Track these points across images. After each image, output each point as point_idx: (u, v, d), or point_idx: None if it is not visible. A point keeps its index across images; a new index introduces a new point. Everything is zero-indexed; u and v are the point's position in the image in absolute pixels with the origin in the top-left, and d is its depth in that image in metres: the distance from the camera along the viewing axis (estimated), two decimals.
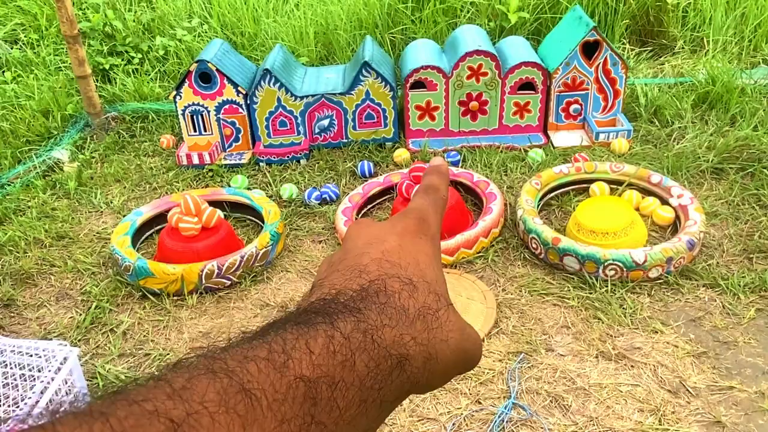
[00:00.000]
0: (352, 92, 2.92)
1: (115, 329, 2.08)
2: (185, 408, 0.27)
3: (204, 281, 2.16)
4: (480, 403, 1.70)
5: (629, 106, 3.09)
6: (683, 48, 3.61)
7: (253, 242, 2.28)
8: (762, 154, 2.64)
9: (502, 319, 1.97)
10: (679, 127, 2.91)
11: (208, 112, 2.96)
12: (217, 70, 2.85)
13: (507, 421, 1.63)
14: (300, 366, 0.31)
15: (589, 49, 2.87)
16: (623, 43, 3.60)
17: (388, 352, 0.34)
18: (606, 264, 2.05)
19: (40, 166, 3.01)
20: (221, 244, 2.28)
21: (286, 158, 2.94)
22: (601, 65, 2.88)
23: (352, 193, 2.56)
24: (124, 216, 2.57)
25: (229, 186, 2.78)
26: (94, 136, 3.29)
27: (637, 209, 2.41)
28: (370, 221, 0.45)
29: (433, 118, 2.98)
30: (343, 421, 0.31)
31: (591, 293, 2.03)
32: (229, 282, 2.20)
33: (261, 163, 2.95)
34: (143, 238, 2.52)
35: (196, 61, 2.86)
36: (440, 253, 0.44)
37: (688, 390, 1.69)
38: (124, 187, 2.86)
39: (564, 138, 2.95)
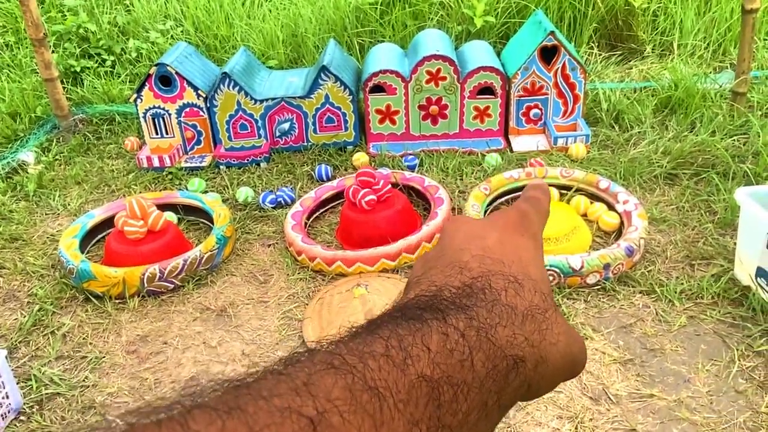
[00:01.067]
0: (312, 96, 2.93)
1: (55, 331, 2.10)
2: (315, 405, 0.25)
3: (146, 284, 2.17)
4: None
5: (591, 111, 3.09)
6: (652, 52, 3.61)
7: (197, 246, 2.29)
8: (716, 160, 2.63)
9: None
10: (638, 132, 2.91)
11: (169, 115, 2.98)
12: (177, 73, 2.87)
13: None
14: (420, 364, 0.29)
15: (548, 54, 2.87)
16: (591, 47, 3.59)
17: (504, 352, 0.32)
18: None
19: (3, 168, 3.04)
20: (167, 248, 2.30)
21: (246, 161, 2.96)
22: (559, 70, 2.88)
23: (304, 197, 2.57)
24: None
25: (186, 189, 2.80)
26: (61, 139, 3.31)
27: (585, 215, 2.41)
28: (468, 218, 0.43)
29: (393, 122, 2.99)
30: (467, 425, 0.29)
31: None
32: (172, 285, 2.22)
33: (221, 166, 2.96)
34: (95, 241, 2.54)
35: (156, 65, 2.88)
36: (542, 253, 0.42)
37: (609, 397, 1.69)
38: (83, 190, 2.89)
39: (524, 143, 2.95)
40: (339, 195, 2.62)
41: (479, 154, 2.88)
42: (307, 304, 2.10)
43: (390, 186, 2.37)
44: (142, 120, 2.99)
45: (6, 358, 1.79)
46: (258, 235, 2.50)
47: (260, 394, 0.25)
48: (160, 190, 2.82)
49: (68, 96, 3.49)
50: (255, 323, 2.06)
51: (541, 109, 2.97)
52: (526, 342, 0.33)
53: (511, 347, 0.32)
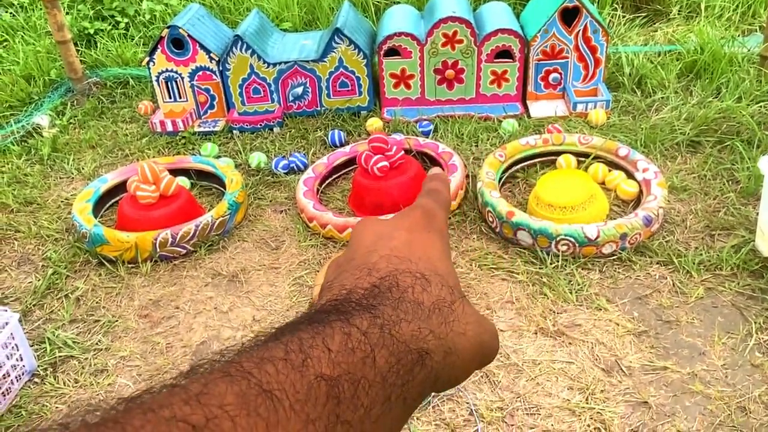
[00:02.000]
0: (325, 59, 2.88)
1: (69, 295, 2.12)
2: (204, 413, 0.26)
3: (159, 249, 2.18)
4: None
5: (613, 75, 3.00)
6: (678, 14, 3.48)
7: (209, 211, 2.28)
8: (741, 127, 2.54)
9: None
10: (661, 98, 2.82)
11: (182, 78, 2.95)
12: (189, 35, 2.83)
13: (433, 396, 1.63)
14: (319, 364, 0.30)
15: (569, 16, 2.77)
16: (614, 9, 3.47)
17: (408, 347, 0.33)
18: (558, 239, 2.01)
19: (18, 132, 3.04)
20: (180, 213, 2.29)
21: (259, 126, 2.93)
22: (581, 33, 2.79)
23: (316, 163, 2.54)
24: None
25: (200, 154, 2.78)
26: (75, 102, 3.30)
27: (603, 183, 2.35)
28: (376, 219, 0.44)
29: (408, 86, 2.93)
30: (369, 419, 0.30)
31: (541, 268, 2.00)
32: (184, 251, 2.22)
33: (234, 131, 2.93)
34: (108, 205, 2.54)
35: (168, 27, 2.84)
36: (449, 248, 0.43)
37: (621, 369, 1.67)
38: (97, 154, 2.88)
39: (542, 108, 2.88)
40: (352, 161, 2.58)
41: (495, 120, 2.82)
42: (317, 271, 2.09)
43: (403, 152, 2.33)
44: (155, 83, 2.96)
45: (20, 321, 1.81)
46: (270, 201, 2.48)
47: (150, 407, 0.26)
48: (173, 155, 2.80)
49: (82, 59, 3.46)
50: (266, 289, 2.06)
51: (560, 74, 2.89)
52: (432, 335, 0.34)
53: (416, 341, 0.33)
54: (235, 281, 2.11)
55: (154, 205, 2.27)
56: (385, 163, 2.25)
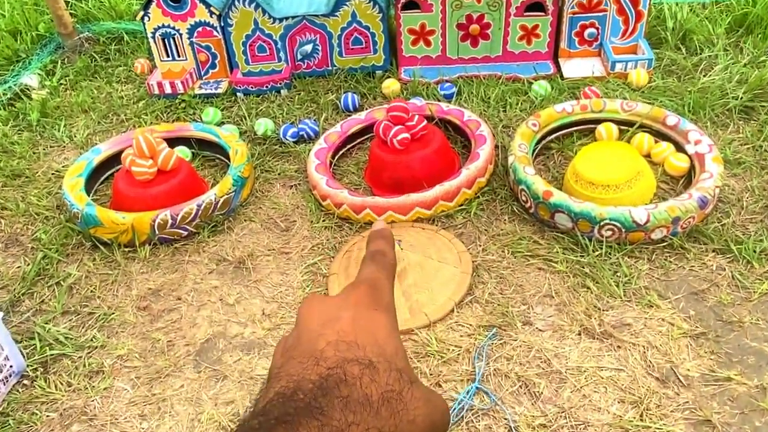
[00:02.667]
0: (337, 14, 2.60)
1: (61, 283, 1.93)
2: None
3: (158, 232, 1.98)
4: (440, 386, 1.52)
5: (654, 30, 2.72)
6: None
7: (213, 189, 2.07)
8: None
9: (478, 285, 1.75)
10: (709, 56, 2.55)
11: (180, 35, 2.69)
12: None
13: (467, 410, 1.45)
14: None
15: None
16: None
17: None
18: (602, 223, 1.79)
19: (5, 93, 2.81)
20: (180, 189, 2.08)
21: (265, 88, 2.68)
22: None
23: (328, 132, 2.31)
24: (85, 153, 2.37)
25: (201, 120, 2.55)
26: (66, 60, 3.05)
27: (648, 156, 2.12)
28: (322, 297, 0.44)
29: (428, 43, 2.66)
30: None
31: (582, 257, 1.79)
32: (186, 232, 2.01)
33: (238, 94, 2.69)
34: (104, 178, 2.33)
35: None
36: (397, 323, 0.44)
37: (679, 378, 1.48)
38: (91, 119, 2.65)
39: (575, 67, 2.62)
40: (368, 129, 2.35)
41: (525, 81, 2.56)
42: (332, 257, 1.89)
43: (425, 122, 2.09)
44: (151, 41, 2.70)
45: (2, 320, 1.62)
46: (279, 174, 2.26)
47: None
48: (172, 121, 2.57)
49: (72, 11, 3.19)
50: (276, 278, 1.87)
51: (597, 28, 2.61)
52: None
53: None
54: (241, 268, 1.91)
55: (151, 182, 2.06)
56: (406, 135, 2.02)
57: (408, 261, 1.77)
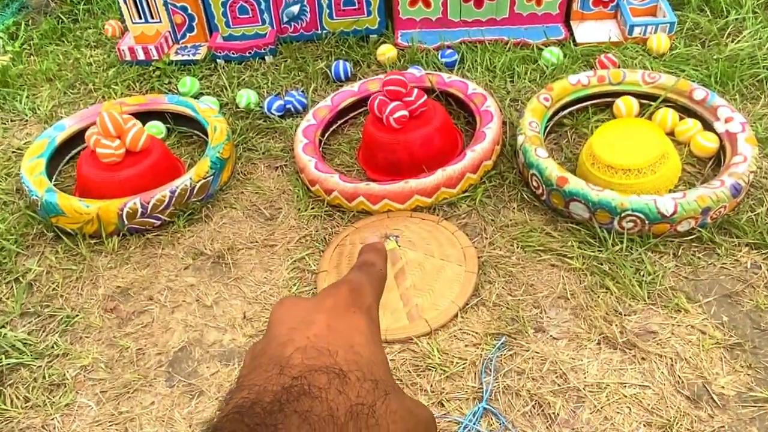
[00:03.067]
0: None
1: (20, 279, 1.74)
2: None
3: (126, 222, 1.77)
4: (443, 405, 1.34)
5: None
6: None
7: (188, 172, 1.86)
8: None
9: (485, 285, 1.57)
10: (736, 20, 2.32)
11: None
12: None
13: None
14: None
15: None
16: None
17: None
18: (623, 214, 1.60)
19: None
20: (152, 172, 1.87)
21: (247, 54, 2.44)
22: None
23: (318, 106, 2.08)
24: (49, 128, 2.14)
25: (177, 91, 2.32)
26: (30, 21, 2.78)
27: (671, 134, 1.91)
28: (296, 299, 0.41)
29: (428, 4, 2.41)
30: None
31: (600, 251, 1.61)
32: (159, 222, 1.81)
33: (218, 60, 2.45)
34: (69, 157, 2.11)
35: None
36: (378, 329, 0.41)
37: (712, 398, 1.31)
38: (56, 89, 2.41)
39: (589, 31, 2.38)
40: (361, 102, 2.13)
41: (534, 48, 2.33)
42: (322, 252, 1.70)
43: (425, 96, 1.87)
44: (121, 1, 2.44)
45: None
46: (263, 154, 2.05)
47: None
48: (145, 92, 2.34)
49: None
50: (259, 275, 1.68)
51: None
52: None
53: None
54: (221, 263, 1.72)
55: (119, 165, 1.85)
56: (404, 112, 1.81)
57: (406, 260, 1.58)
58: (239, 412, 0.32)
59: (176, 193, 1.80)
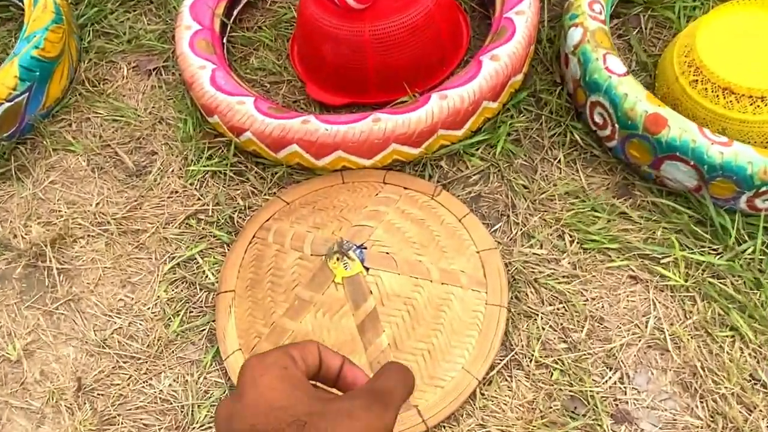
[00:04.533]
0: None
1: None
2: None
3: None
4: None
5: None
6: None
7: None
8: None
9: (519, 322, 0.88)
10: None
11: None
12: None
13: None
14: None
15: None
16: None
17: None
18: (762, 189, 0.89)
19: None
20: None
21: None
22: None
23: None
24: None
25: None
26: None
27: None
28: (277, 375, 0.30)
29: None
30: None
31: (718, 253, 0.92)
32: None
33: None
34: None
35: None
36: None
37: None
38: None
39: None
40: None
41: None
42: (226, 247, 0.95)
43: None
44: None
45: None
46: (127, 44, 1.21)
47: None
48: None
49: None
50: (110, 293, 0.93)
51: None
52: None
53: None
54: (39, 268, 0.96)
55: None
56: None
57: (382, 293, 0.84)
58: None
59: None
